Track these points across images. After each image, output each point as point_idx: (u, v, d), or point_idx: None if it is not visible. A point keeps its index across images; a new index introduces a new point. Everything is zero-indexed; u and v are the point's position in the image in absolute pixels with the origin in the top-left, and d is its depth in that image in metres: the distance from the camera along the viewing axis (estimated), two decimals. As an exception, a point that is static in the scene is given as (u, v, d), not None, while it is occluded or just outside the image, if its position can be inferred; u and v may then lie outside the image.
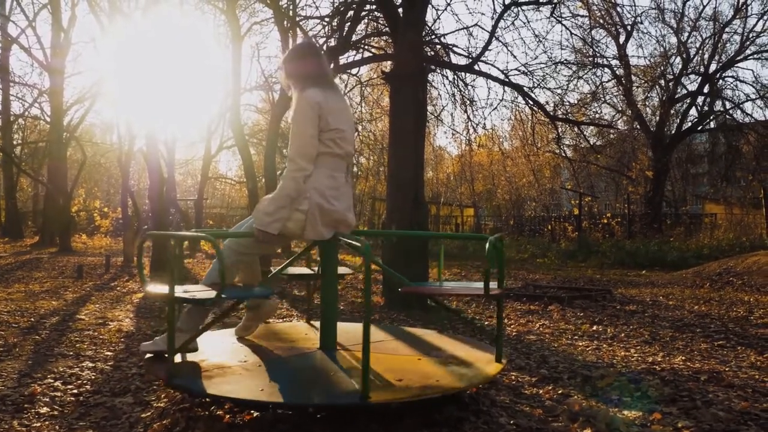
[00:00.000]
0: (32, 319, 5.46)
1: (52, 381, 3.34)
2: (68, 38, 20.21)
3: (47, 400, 3.00)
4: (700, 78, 20.96)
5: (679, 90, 21.23)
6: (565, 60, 15.66)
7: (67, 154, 22.85)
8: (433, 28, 10.73)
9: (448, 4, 15.45)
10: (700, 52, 21.01)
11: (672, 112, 21.27)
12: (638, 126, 21.02)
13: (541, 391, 3.15)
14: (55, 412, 2.82)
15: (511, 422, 2.62)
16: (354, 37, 10.30)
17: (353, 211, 3.16)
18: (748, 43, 20.28)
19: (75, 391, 3.16)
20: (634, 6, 33.73)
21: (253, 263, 3.29)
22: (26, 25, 21.10)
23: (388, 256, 6.49)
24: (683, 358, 3.97)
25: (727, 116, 20.68)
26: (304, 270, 3.81)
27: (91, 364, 3.77)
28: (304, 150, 2.95)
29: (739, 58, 20.49)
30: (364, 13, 10.65)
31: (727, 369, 3.64)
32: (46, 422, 2.68)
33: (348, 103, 3.26)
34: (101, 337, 4.69)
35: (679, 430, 2.54)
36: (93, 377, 3.45)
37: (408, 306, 6.04)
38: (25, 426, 2.63)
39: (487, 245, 2.81)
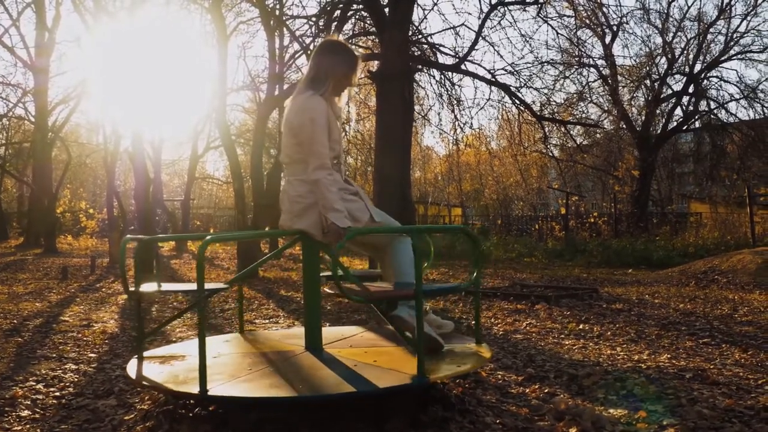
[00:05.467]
0: (15, 321, 5.41)
1: (34, 384, 3.30)
2: (53, 37, 20.07)
3: (29, 403, 2.96)
4: (685, 78, 21.10)
5: (664, 90, 21.36)
6: (552, 60, 15.73)
7: (53, 154, 22.70)
8: (420, 27, 10.75)
9: (435, 4, 15.47)
10: (685, 52, 21.17)
11: (657, 111, 21.40)
12: (624, 126, 21.14)
13: (527, 390, 3.15)
14: (37, 415, 2.79)
15: (497, 422, 2.62)
16: (341, 37, 10.28)
17: (287, 213, 3.11)
18: (732, 43, 20.45)
19: (57, 393, 3.13)
20: (620, 6, 33.96)
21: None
22: (10, 24, 21.02)
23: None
24: (669, 356, 3.99)
25: (712, 116, 20.84)
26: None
27: (74, 366, 3.73)
28: None
29: (723, 58, 20.66)
30: (350, 13, 10.65)
31: (712, 367, 3.65)
32: (27, 425, 2.65)
33: (296, 102, 3.17)
34: (85, 338, 4.65)
35: (664, 428, 2.55)
36: (76, 379, 3.41)
37: (394, 306, 6.01)
38: (5, 429, 2.59)
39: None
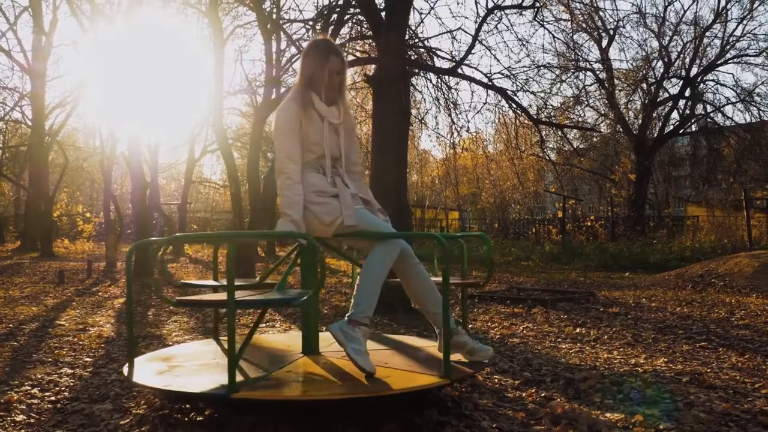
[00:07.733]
0: (11, 325, 5.39)
1: (29, 388, 3.28)
2: (49, 41, 20.05)
3: (24, 407, 2.94)
4: (681, 81, 21.17)
5: (661, 93, 21.43)
6: (548, 64, 15.76)
7: (49, 158, 22.65)
8: (416, 31, 10.76)
9: (432, 8, 15.42)
10: (682, 56, 21.25)
11: (654, 115, 21.48)
12: (621, 129, 21.19)
13: (524, 394, 3.14)
14: (32, 420, 2.77)
15: (494, 426, 2.61)
16: (338, 41, 10.30)
17: None
18: (728, 47, 20.54)
19: (53, 398, 3.11)
20: (616, 10, 34.07)
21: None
22: (7, 28, 21.01)
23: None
24: (665, 359, 3.99)
25: (708, 119, 20.91)
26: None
27: (69, 370, 3.71)
28: None
29: (719, 62, 20.75)
30: (347, 17, 10.67)
31: (708, 370, 3.66)
32: (22, 430, 2.63)
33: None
34: (81, 342, 4.63)
35: (661, 432, 2.55)
36: (71, 384, 3.40)
37: (391, 309, 6.02)
38: (0, 434, 2.59)
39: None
